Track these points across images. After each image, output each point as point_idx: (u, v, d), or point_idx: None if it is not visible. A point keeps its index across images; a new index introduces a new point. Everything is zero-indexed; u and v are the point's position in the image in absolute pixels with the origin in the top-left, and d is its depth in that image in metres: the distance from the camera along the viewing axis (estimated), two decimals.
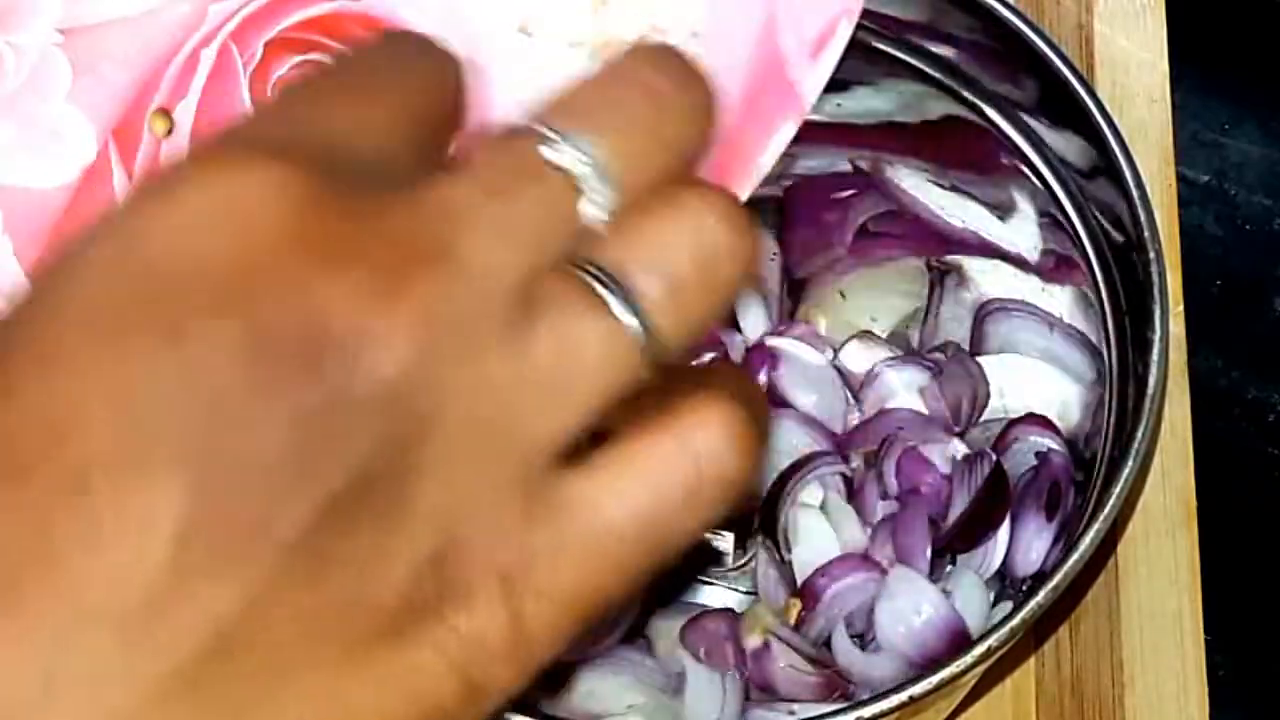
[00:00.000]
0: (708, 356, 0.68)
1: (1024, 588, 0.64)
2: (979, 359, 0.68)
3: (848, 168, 0.68)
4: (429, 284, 0.33)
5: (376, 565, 0.33)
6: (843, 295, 0.70)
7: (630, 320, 0.35)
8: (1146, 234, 0.60)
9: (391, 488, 0.33)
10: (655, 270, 0.35)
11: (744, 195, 0.50)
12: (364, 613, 0.33)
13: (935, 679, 0.54)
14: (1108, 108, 0.61)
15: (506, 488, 0.34)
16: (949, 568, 0.64)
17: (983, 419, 0.68)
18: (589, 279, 0.35)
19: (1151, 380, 0.58)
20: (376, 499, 0.32)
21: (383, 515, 0.33)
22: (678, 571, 0.67)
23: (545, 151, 0.34)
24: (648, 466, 0.35)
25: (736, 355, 0.69)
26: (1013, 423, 0.66)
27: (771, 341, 0.68)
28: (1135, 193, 0.60)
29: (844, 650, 0.62)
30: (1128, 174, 0.60)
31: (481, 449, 0.34)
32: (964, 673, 0.55)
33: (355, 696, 0.33)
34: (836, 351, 0.69)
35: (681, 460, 0.35)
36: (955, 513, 0.64)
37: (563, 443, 0.35)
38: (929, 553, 0.63)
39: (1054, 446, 0.65)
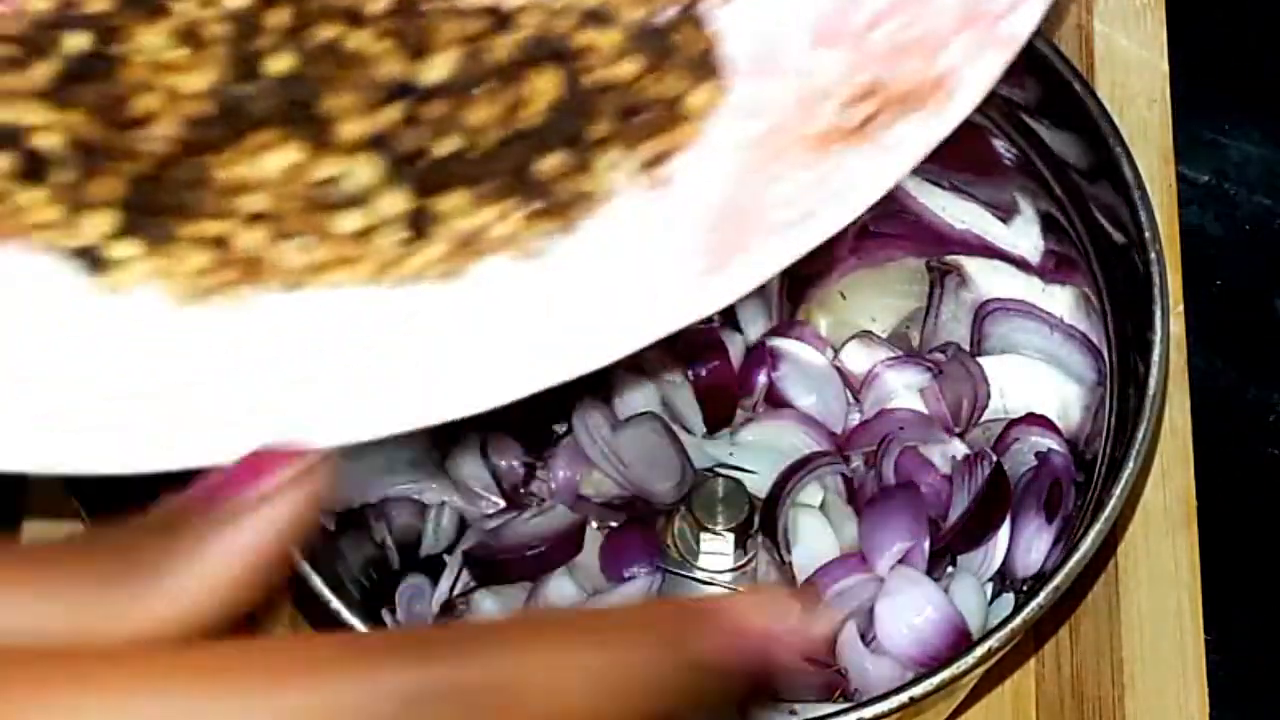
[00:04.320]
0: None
1: (1024, 588, 0.64)
2: (979, 359, 0.68)
3: None
4: None
5: None
6: (843, 295, 0.70)
7: None
8: (1147, 234, 0.60)
9: None
10: None
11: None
12: None
13: (936, 680, 0.54)
14: (1108, 108, 0.61)
15: None
16: (949, 568, 0.64)
17: (983, 419, 0.68)
18: None
19: (1152, 381, 0.58)
20: None
21: None
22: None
23: None
24: None
25: (737, 355, 0.69)
26: (1013, 423, 0.66)
27: (771, 341, 0.68)
28: (1135, 193, 0.60)
29: (848, 650, 0.62)
30: (1128, 174, 0.60)
31: None
32: (965, 673, 0.55)
33: None
34: (836, 351, 0.69)
35: None
36: (955, 513, 0.64)
37: None
38: (926, 547, 0.63)
39: (1054, 447, 0.65)
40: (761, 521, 0.66)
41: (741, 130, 0.51)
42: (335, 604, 0.55)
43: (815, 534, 0.64)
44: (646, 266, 0.49)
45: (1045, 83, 0.61)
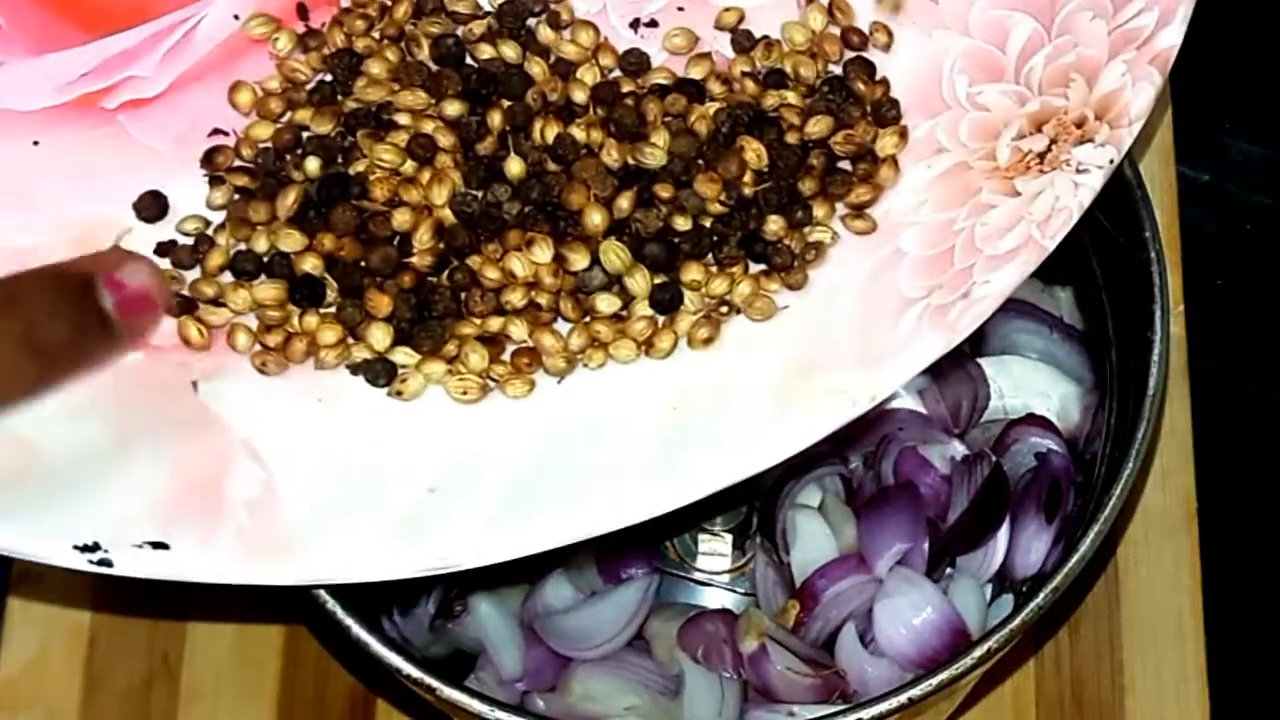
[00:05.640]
0: None
1: (1024, 589, 0.63)
2: (979, 359, 0.67)
3: None
4: None
5: None
6: None
7: None
8: (1147, 234, 0.59)
9: None
10: None
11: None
12: None
13: (935, 681, 0.54)
14: None
15: None
16: (948, 569, 0.64)
17: (983, 420, 0.67)
18: None
19: (1152, 381, 0.58)
20: None
21: None
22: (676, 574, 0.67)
23: None
24: None
25: None
26: (1012, 423, 0.66)
27: None
28: (1135, 193, 0.60)
29: (847, 651, 0.62)
30: (1128, 174, 0.60)
31: None
32: (964, 674, 0.54)
33: None
34: None
35: None
36: (955, 514, 0.64)
37: None
38: (926, 548, 0.63)
39: (1054, 447, 0.65)
40: (760, 523, 0.66)
41: (930, 168, 0.55)
42: (331, 604, 0.55)
43: (814, 535, 0.64)
44: (874, 312, 0.53)
45: None
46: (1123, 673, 0.69)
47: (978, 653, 0.54)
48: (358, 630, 0.55)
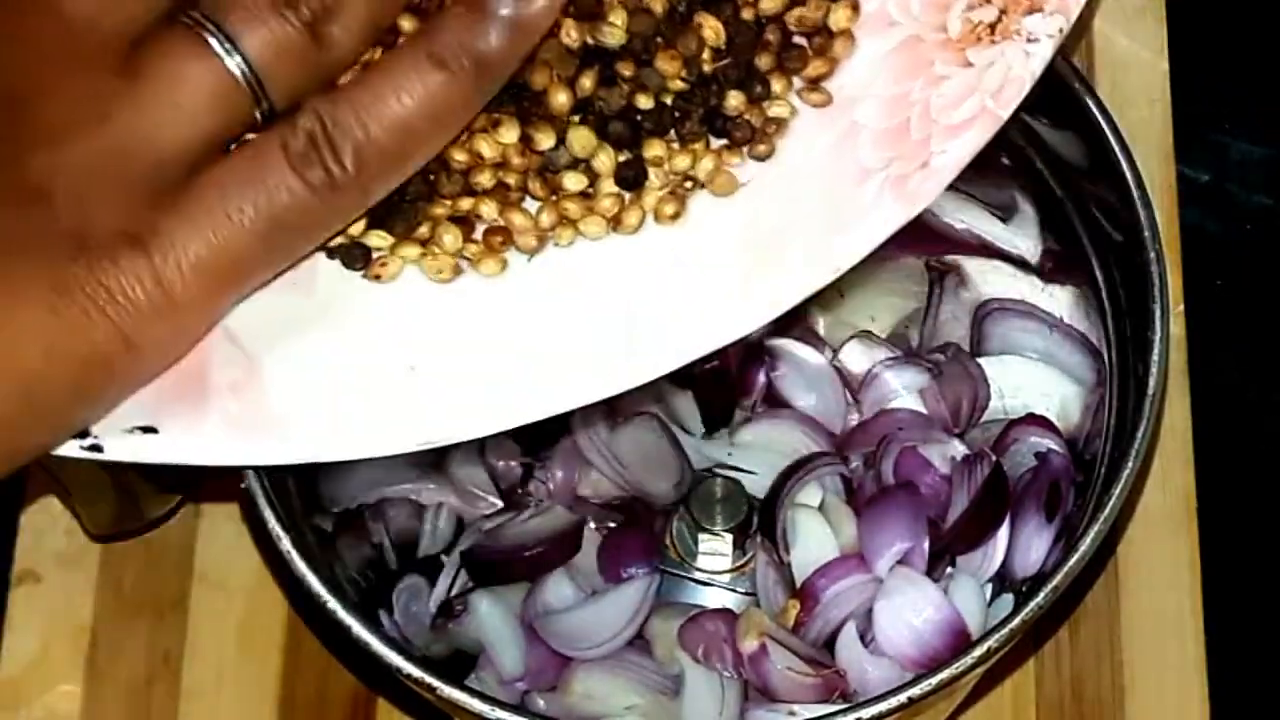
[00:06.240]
0: None
1: (1024, 589, 0.64)
2: (979, 359, 0.67)
3: None
4: (40, 27, 0.43)
5: (20, 238, 0.43)
6: (842, 294, 0.70)
7: (231, 62, 0.45)
8: (1146, 234, 0.59)
9: (19, 180, 0.43)
10: (257, 17, 0.46)
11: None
12: (19, 278, 0.43)
13: (935, 680, 0.54)
14: (1108, 108, 0.60)
15: (133, 184, 0.44)
16: (948, 569, 0.64)
17: (982, 419, 0.67)
18: (193, 25, 0.45)
19: (1151, 381, 0.58)
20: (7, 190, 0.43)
21: (13, 202, 0.43)
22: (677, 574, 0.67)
23: None
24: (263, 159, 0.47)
25: (735, 354, 0.69)
26: (1012, 423, 0.66)
27: (770, 341, 0.68)
28: (1135, 193, 0.60)
29: (847, 650, 0.62)
30: (1128, 174, 0.60)
31: (103, 158, 0.44)
32: (964, 674, 0.54)
33: (23, 356, 0.43)
34: (836, 351, 0.69)
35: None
36: (955, 513, 0.64)
37: (179, 159, 0.45)
38: (926, 547, 0.63)
39: (1054, 447, 0.65)
40: (760, 522, 0.66)
41: (883, 40, 0.56)
42: (332, 604, 0.55)
43: (814, 535, 0.64)
44: (835, 184, 0.54)
45: (1045, 82, 0.61)
46: (1123, 673, 0.69)
47: (978, 652, 0.54)
48: (358, 629, 0.55)
